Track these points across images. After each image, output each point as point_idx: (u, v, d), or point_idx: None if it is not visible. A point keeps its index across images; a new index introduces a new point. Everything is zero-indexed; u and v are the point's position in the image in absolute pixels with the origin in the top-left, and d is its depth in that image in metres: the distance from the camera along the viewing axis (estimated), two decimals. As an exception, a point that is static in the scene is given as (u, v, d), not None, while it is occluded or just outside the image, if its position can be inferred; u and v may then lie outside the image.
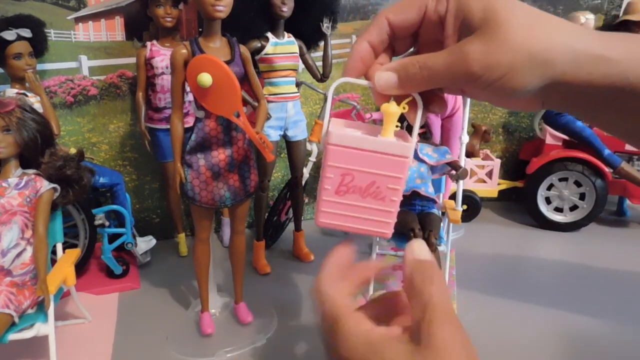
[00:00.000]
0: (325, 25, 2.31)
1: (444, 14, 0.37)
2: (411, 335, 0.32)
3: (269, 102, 2.21)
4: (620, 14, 3.18)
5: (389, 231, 0.41)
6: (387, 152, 0.38)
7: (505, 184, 3.20)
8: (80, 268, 2.32)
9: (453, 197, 2.23)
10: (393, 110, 0.38)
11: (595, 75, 0.33)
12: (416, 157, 1.99)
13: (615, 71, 0.33)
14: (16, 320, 1.55)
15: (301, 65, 2.38)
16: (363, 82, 0.40)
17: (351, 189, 0.39)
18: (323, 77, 2.40)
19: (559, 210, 3.02)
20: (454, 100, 2.57)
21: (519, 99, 0.36)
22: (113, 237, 2.34)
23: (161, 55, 2.34)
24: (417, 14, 0.38)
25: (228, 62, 1.64)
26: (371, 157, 0.38)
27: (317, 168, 3.04)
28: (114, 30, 2.51)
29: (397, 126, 0.40)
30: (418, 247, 0.35)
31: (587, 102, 0.36)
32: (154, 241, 2.54)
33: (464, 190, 2.21)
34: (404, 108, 0.38)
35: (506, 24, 0.33)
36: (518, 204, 3.29)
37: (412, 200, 2.01)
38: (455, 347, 0.31)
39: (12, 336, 1.55)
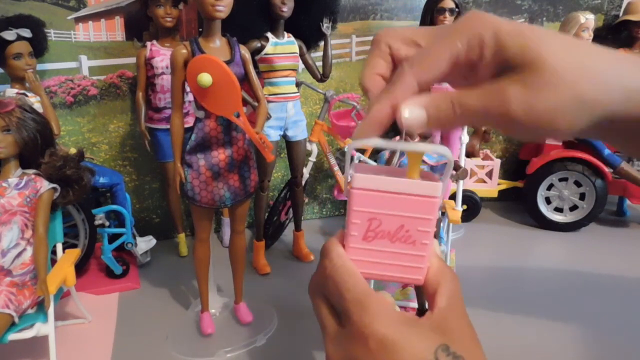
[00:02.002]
0: (325, 25, 2.31)
1: (477, 59, 0.34)
2: (435, 322, 0.35)
3: (269, 102, 2.21)
4: (620, 14, 3.18)
5: (422, 277, 0.39)
6: (415, 192, 0.36)
7: (505, 184, 3.20)
8: (80, 268, 2.32)
9: (453, 197, 2.24)
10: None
11: (635, 110, 0.32)
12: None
13: None
14: (16, 320, 1.55)
15: (301, 65, 2.38)
16: (383, 143, 0.36)
17: (379, 234, 0.37)
18: (323, 77, 2.40)
19: (559, 210, 3.02)
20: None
21: (563, 139, 0.36)
22: (113, 237, 2.34)
23: (161, 55, 2.34)
24: (447, 67, 0.35)
25: (228, 62, 1.64)
26: (398, 200, 0.36)
27: (317, 168, 3.04)
28: (114, 30, 2.51)
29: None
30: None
31: (625, 134, 0.34)
32: (154, 241, 2.54)
33: (464, 190, 2.22)
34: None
35: (549, 67, 0.31)
36: (518, 204, 3.29)
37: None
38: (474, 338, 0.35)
39: (12, 336, 1.55)
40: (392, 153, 1.77)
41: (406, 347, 0.33)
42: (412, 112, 0.34)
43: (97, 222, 2.29)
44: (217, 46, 1.69)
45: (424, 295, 0.39)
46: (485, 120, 0.33)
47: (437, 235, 1.86)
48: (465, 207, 2.94)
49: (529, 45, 0.32)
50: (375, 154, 2.55)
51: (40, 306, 1.66)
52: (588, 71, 0.31)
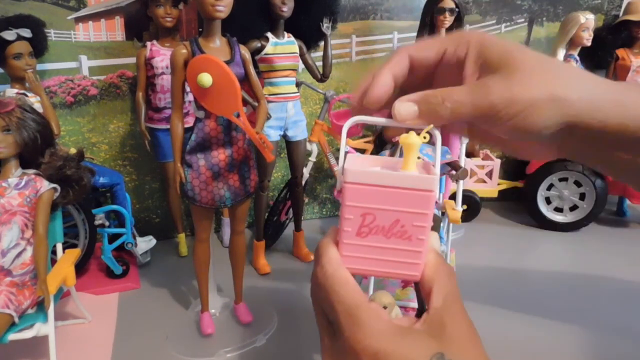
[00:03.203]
0: (325, 25, 2.31)
1: (463, 57, 0.38)
2: (430, 324, 0.36)
3: (269, 102, 2.21)
4: (620, 14, 3.18)
5: (418, 273, 0.38)
6: (410, 186, 0.35)
7: (505, 184, 3.20)
8: (80, 268, 2.32)
9: (453, 197, 2.23)
10: (413, 141, 0.35)
11: (611, 119, 0.34)
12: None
13: (630, 115, 0.34)
14: (16, 320, 1.55)
15: (301, 65, 2.38)
16: (379, 119, 0.38)
17: (374, 230, 0.36)
18: (323, 77, 2.40)
19: (559, 210, 3.02)
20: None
21: (536, 140, 0.37)
22: (113, 237, 2.34)
23: (161, 55, 2.34)
24: (436, 55, 0.39)
25: (228, 62, 1.64)
26: (393, 194, 0.35)
27: (317, 168, 3.04)
28: (114, 30, 2.51)
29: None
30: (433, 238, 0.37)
31: (602, 146, 0.37)
32: (154, 241, 2.54)
33: (464, 190, 2.22)
34: (424, 138, 0.36)
35: (525, 67, 0.35)
36: (518, 204, 3.29)
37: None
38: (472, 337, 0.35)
39: (12, 336, 1.55)
40: (393, 152, 1.77)
41: (400, 358, 0.32)
42: (404, 106, 0.37)
43: (97, 222, 2.29)
44: (217, 46, 1.69)
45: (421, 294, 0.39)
46: (472, 113, 0.36)
47: (437, 236, 1.85)
48: (465, 207, 2.93)
49: (509, 50, 0.36)
50: (375, 153, 2.55)
51: (40, 306, 1.65)
52: (560, 75, 0.35)
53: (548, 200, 3.03)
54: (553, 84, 0.34)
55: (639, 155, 0.36)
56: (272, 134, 2.28)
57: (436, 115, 0.36)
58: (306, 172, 2.62)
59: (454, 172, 2.00)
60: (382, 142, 1.80)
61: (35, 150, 1.68)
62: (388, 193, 0.35)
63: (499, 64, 0.36)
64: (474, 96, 0.35)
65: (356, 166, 0.36)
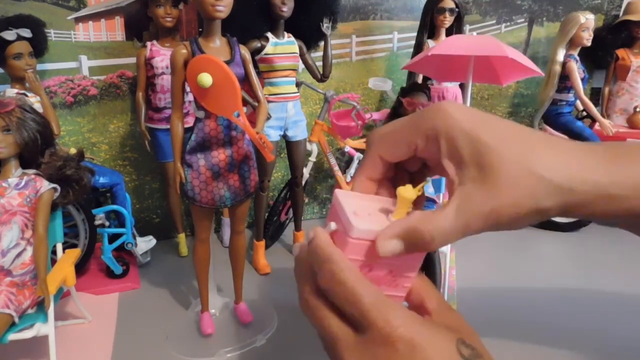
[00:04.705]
0: (325, 25, 2.31)
1: (437, 153, 0.36)
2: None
3: (269, 102, 2.21)
4: (620, 14, 3.18)
5: None
6: None
7: (505, 184, 3.19)
8: (80, 268, 2.32)
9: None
10: (409, 195, 0.37)
11: (597, 212, 0.33)
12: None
13: (623, 207, 0.33)
14: (16, 320, 1.55)
15: (301, 65, 2.38)
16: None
17: (367, 278, 0.37)
18: (323, 77, 2.40)
19: (559, 210, 3.02)
20: (453, 99, 2.57)
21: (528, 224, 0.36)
22: (113, 237, 2.34)
23: (161, 55, 2.34)
24: (407, 151, 0.38)
25: (228, 62, 1.64)
26: None
27: (317, 168, 3.04)
28: (114, 30, 2.51)
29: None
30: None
31: (593, 220, 0.37)
32: (154, 241, 2.54)
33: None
34: (419, 191, 0.37)
35: (501, 173, 0.33)
36: (518, 204, 3.29)
37: (412, 200, 2.01)
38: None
39: (12, 336, 1.55)
40: None
41: (433, 345, 0.33)
42: (390, 246, 0.36)
43: (97, 222, 2.29)
44: (217, 46, 1.69)
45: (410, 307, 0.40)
46: (462, 237, 0.35)
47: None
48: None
49: (478, 150, 0.34)
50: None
51: (40, 306, 1.65)
52: (539, 178, 0.33)
53: (548, 200, 3.02)
54: (535, 193, 0.33)
55: (633, 225, 0.36)
56: (272, 134, 2.28)
57: (423, 248, 0.36)
58: (306, 172, 2.62)
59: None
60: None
61: (35, 150, 1.68)
62: (386, 264, 0.37)
63: (473, 165, 0.34)
64: (460, 227, 0.34)
65: (358, 221, 0.37)
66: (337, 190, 0.40)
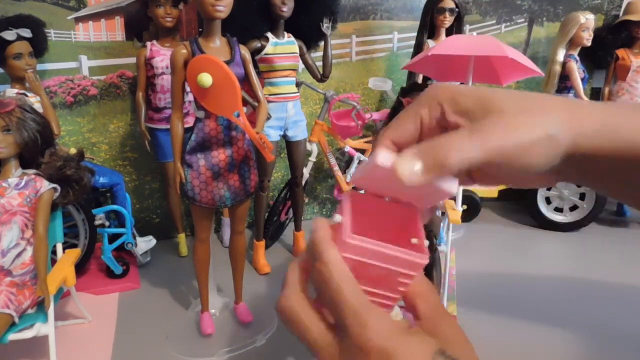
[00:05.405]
0: (325, 25, 2.31)
1: (441, 116, 0.37)
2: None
3: (269, 102, 2.21)
4: (620, 14, 3.18)
5: (390, 311, 0.41)
6: (401, 269, 0.38)
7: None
8: (80, 268, 2.32)
9: (453, 197, 2.23)
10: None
11: (605, 147, 0.34)
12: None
13: (621, 139, 0.34)
14: (16, 320, 1.55)
15: (301, 65, 2.38)
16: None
17: (363, 277, 0.37)
18: (323, 77, 2.40)
19: (559, 210, 3.02)
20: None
21: (535, 174, 0.36)
22: (113, 237, 2.34)
23: (161, 55, 2.34)
24: (415, 127, 0.38)
25: (228, 62, 1.64)
26: (389, 256, 0.37)
27: (317, 168, 3.04)
28: (114, 30, 2.51)
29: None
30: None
31: (599, 173, 0.37)
32: (154, 241, 2.55)
33: (464, 190, 2.22)
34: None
35: (509, 109, 0.34)
36: (518, 204, 3.29)
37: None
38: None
39: (12, 336, 1.55)
40: None
41: (407, 356, 0.33)
42: (408, 167, 0.34)
43: (97, 222, 2.29)
44: (217, 46, 1.69)
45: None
46: (483, 159, 0.34)
47: (437, 236, 1.85)
48: (465, 207, 2.93)
49: (482, 95, 0.35)
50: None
51: (40, 306, 1.65)
52: (546, 111, 0.34)
53: (548, 200, 3.03)
54: (544, 122, 0.34)
55: (633, 179, 0.36)
56: (272, 134, 2.28)
57: (443, 168, 0.33)
58: (306, 172, 2.62)
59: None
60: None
61: (35, 150, 1.68)
62: (385, 255, 0.37)
63: (480, 110, 0.35)
64: (478, 138, 0.33)
65: (357, 239, 0.37)
66: (348, 192, 0.41)
